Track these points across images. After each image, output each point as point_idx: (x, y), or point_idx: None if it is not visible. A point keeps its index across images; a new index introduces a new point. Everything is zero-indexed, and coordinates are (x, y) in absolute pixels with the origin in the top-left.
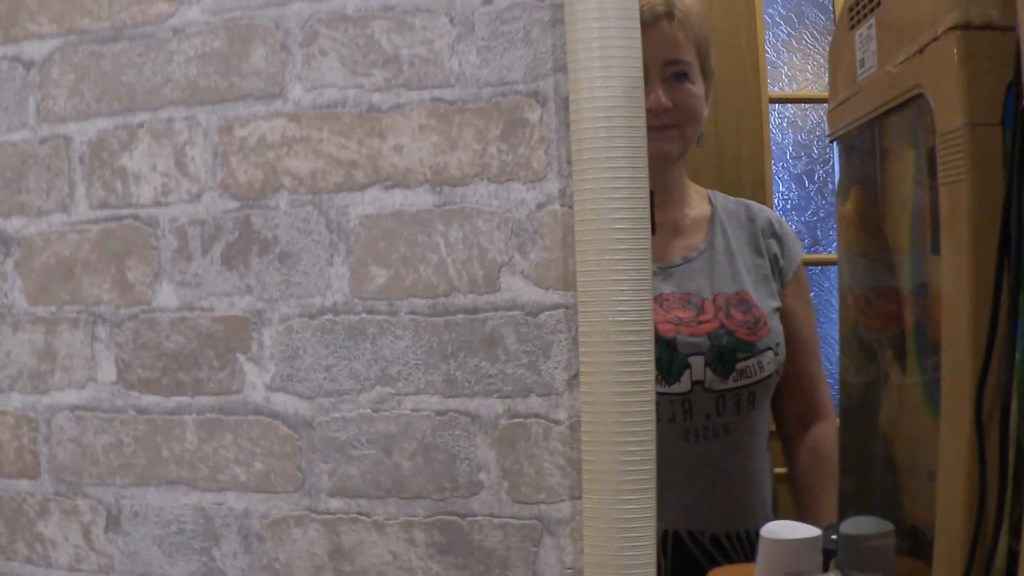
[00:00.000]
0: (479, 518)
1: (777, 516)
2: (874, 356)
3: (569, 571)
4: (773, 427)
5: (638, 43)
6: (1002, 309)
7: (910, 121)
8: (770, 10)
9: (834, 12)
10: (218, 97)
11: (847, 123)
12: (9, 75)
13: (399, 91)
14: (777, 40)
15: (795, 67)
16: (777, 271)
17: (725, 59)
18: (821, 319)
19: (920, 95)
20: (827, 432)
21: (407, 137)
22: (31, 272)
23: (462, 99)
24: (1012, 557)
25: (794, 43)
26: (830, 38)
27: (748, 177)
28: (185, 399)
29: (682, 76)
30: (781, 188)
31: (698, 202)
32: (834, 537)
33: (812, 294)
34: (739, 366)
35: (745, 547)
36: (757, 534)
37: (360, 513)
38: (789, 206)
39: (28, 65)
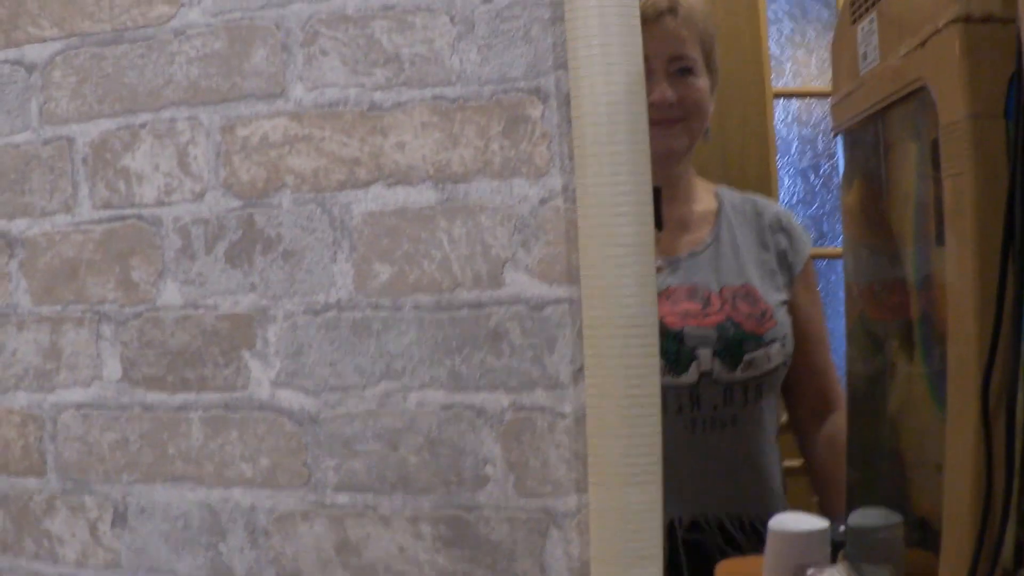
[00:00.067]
0: (485, 511)
1: (786, 507)
2: (880, 347)
3: (575, 564)
4: (784, 420)
5: (639, 38)
6: (1007, 300)
7: (913, 114)
8: (773, 6)
9: (837, 7)
10: (220, 97)
11: (850, 117)
12: (11, 78)
13: (400, 89)
14: (781, 35)
15: (799, 62)
16: (786, 265)
17: (729, 55)
18: (828, 312)
19: (922, 88)
20: (844, 422)
21: (409, 134)
22: (36, 272)
23: (463, 96)
24: (1020, 547)
25: (798, 38)
26: (833, 33)
27: (753, 172)
28: (191, 396)
29: (686, 71)
30: (786, 182)
31: (705, 197)
32: (842, 529)
33: (819, 287)
34: (747, 357)
35: (750, 536)
36: (764, 523)
37: (367, 507)
38: (795, 200)
39: (30, 68)
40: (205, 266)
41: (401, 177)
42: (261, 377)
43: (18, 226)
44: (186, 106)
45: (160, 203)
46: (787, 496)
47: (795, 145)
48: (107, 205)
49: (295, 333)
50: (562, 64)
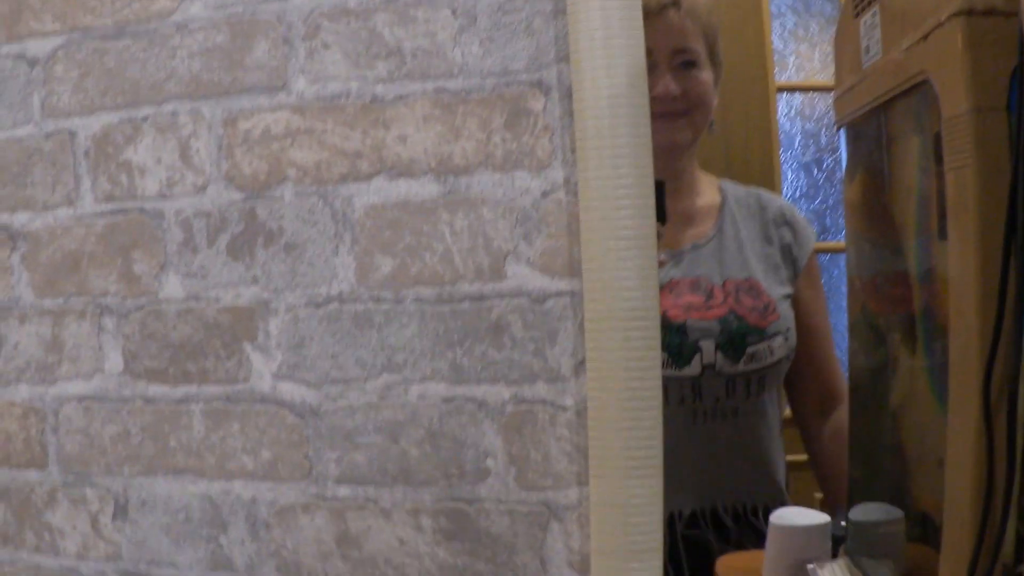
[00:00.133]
0: (486, 504)
1: (788, 501)
2: (882, 341)
3: (576, 556)
4: (787, 414)
5: (640, 31)
6: (1009, 294)
7: (915, 107)
8: (777, 0)
9: (840, 1)
10: (222, 91)
11: (853, 110)
12: (13, 72)
13: (402, 82)
14: (784, 29)
15: (802, 56)
16: (790, 259)
17: (732, 49)
18: (831, 307)
19: (925, 81)
20: None
21: (411, 127)
22: (38, 265)
23: (465, 89)
24: (1020, 542)
25: (801, 32)
26: (835, 26)
27: (756, 166)
28: (192, 389)
29: (690, 64)
30: (789, 176)
31: (708, 191)
32: (843, 524)
33: (822, 282)
34: (749, 350)
35: (744, 527)
36: (765, 514)
37: (368, 500)
38: (798, 194)
39: (32, 62)
40: (207, 259)
41: (403, 170)
42: (263, 370)
43: (20, 219)
44: (188, 99)
45: (162, 196)
46: (790, 491)
47: (798, 139)
48: (109, 198)
49: (297, 326)
50: (564, 57)
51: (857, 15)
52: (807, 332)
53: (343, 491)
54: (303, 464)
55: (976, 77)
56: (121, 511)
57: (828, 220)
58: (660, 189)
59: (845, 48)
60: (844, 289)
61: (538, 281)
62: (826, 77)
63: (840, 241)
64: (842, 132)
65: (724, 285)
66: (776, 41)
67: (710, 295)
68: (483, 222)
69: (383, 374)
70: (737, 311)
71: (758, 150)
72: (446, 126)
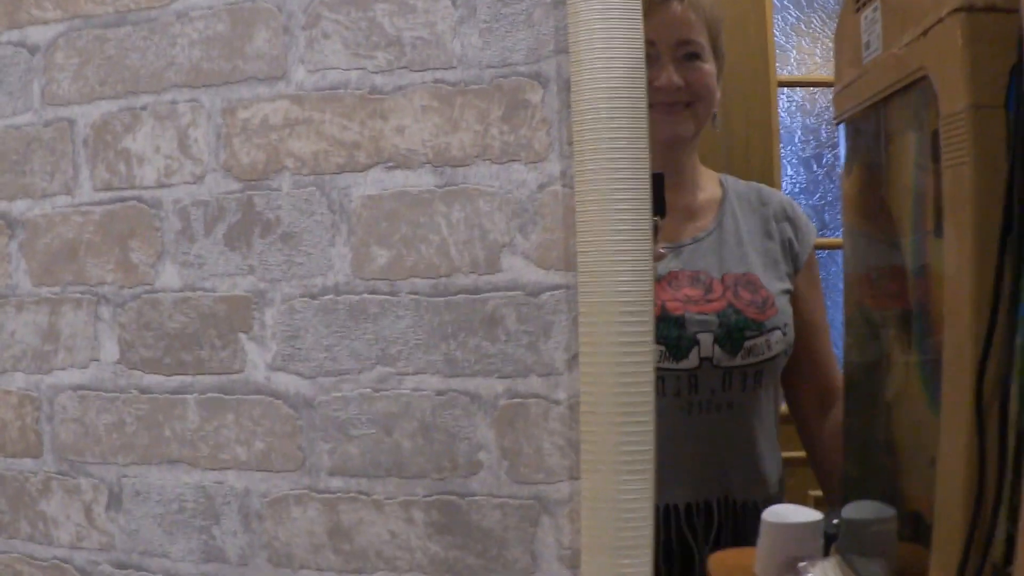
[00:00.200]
0: (478, 498)
1: (784, 496)
2: (877, 336)
3: (567, 551)
4: (784, 410)
5: (640, 24)
6: (1004, 293)
7: (914, 104)
8: None
9: None
10: (221, 79)
11: (852, 106)
12: (14, 60)
13: (401, 73)
14: (786, 24)
15: (804, 51)
16: (791, 255)
17: (733, 42)
18: (828, 303)
19: (924, 77)
20: None
21: (409, 118)
22: (35, 253)
23: (464, 81)
24: (1010, 543)
25: (803, 26)
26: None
27: (756, 161)
28: (187, 378)
29: (693, 56)
30: (789, 172)
31: (709, 185)
32: (836, 522)
33: (820, 277)
34: (747, 344)
35: (738, 519)
36: (755, 507)
37: (360, 492)
38: (797, 190)
39: (33, 50)
40: (204, 248)
41: (400, 161)
42: (257, 360)
43: (18, 207)
44: (187, 88)
45: (160, 185)
46: (787, 487)
47: (798, 134)
48: (107, 187)
49: (292, 316)
50: (563, 49)
51: (858, 10)
52: (805, 328)
53: (336, 483)
54: (296, 455)
55: (975, 74)
56: (115, 501)
57: (827, 216)
58: (659, 182)
59: (845, 43)
60: (842, 285)
61: (533, 274)
62: (827, 72)
63: (838, 237)
64: (841, 128)
65: (723, 279)
66: (778, 35)
67: (709, 288)
68: (479, 214)
69: (377, 366)
70: (736, 305)
71: (758, 145)
72: (444, 117)
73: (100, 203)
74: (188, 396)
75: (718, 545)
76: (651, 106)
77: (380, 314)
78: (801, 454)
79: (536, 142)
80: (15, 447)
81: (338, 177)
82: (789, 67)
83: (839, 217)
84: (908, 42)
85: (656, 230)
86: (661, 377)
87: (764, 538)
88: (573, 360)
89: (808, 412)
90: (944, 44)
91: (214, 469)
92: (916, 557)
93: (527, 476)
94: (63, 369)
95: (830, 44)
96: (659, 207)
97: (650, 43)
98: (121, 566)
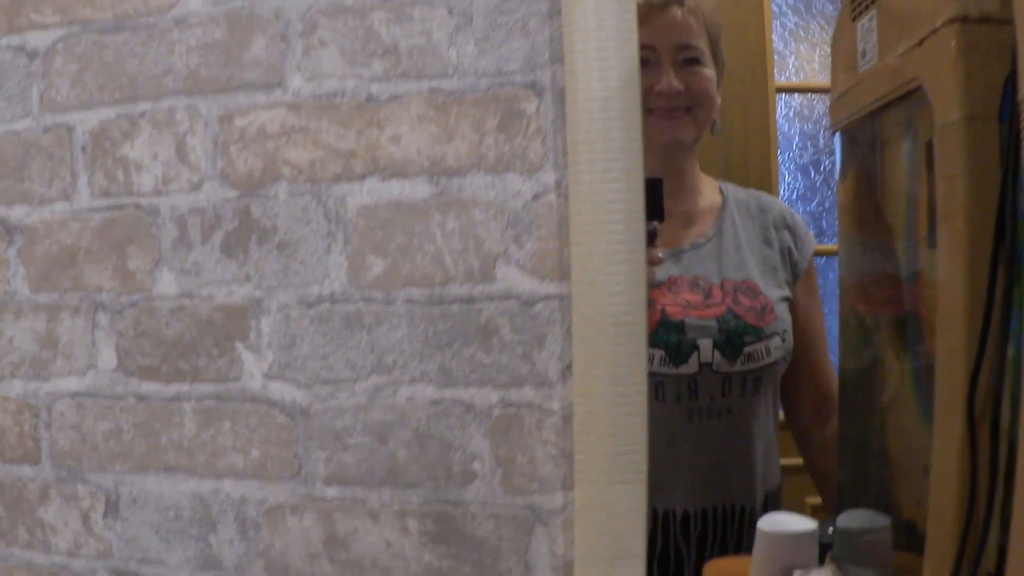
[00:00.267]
0: (472, 507)
1: (782, 502)
2: (871, 343)
3: (560, 561)
4: (783, 418)
5: (635, 34)
6: (996, 304)
7: (909, 113)
8: None
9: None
10: (219, 87)
11: (848, 115)
12: (13, 64)
13: (397, 81)
14: (784, 29)
15: (802, 57)
16: (790, 263)
17: (732, 48)
18: (826, 310)
19: (919, 87)
20: None
21: (405, 127)
22: (33, 260)
23: (460, 90)
24: (1002, 552)
25: (801, 33)
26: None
27: (754, 167)
28: (184, 386)
29: (693, 61)
30: (787, 178)
31: (709, 191)
32: (831, 530)
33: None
34: (746, 350)
35: (735, 526)
36: (753, 513)
37: (355, 501)
38: (795, 196)
39: (32, 55)
40: (201, 256)
41: (396, 170)
42: (254, 369)
43: (17, 213)
44: (185, 95)
45: (158, 192)
46: (784, 494)
47: (796, 141)
48: (105, 194)
49: (288, 325)
50: (559, 58)
51: (855, 18)
52: (803, 336)
53: (331, 491)
54: (292, 464)
55: (969, 85)
56: (112, 508)
57: (824, 222)
58: (659, 187)
59: (842, 51)
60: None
61: (527, 284)
62: (825, 78)
63: (836, 244)
64: (837, 136)
65: (722, 285)
66: (776, 41)
67: (709, 294)
68: (474, 224)
69: (372, 375)
70: (735, 310)
71: (756, 151)
72: (439, 127)
73: (98, 210)
74: (185, 404)
75: (716, 552)
76: (651, 111)
77: (375, 323)
78: (798, 461)
79: (531, 152)
80: (13, 454)
81: (334, 186)
82: (787, 73)
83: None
84: (903, 52)
85: (655, 235)
86: (661, 382)
87: (759, 547)
88: (567, 370)
89: (806, 420)
90: (939, 54)
91: (211, 477)
92: (911, 566)
93: (521, 486)
94: (61, 376)
95: (828, 50)
96: (658, 212)
97: (650, 48)
98: (119, 573)
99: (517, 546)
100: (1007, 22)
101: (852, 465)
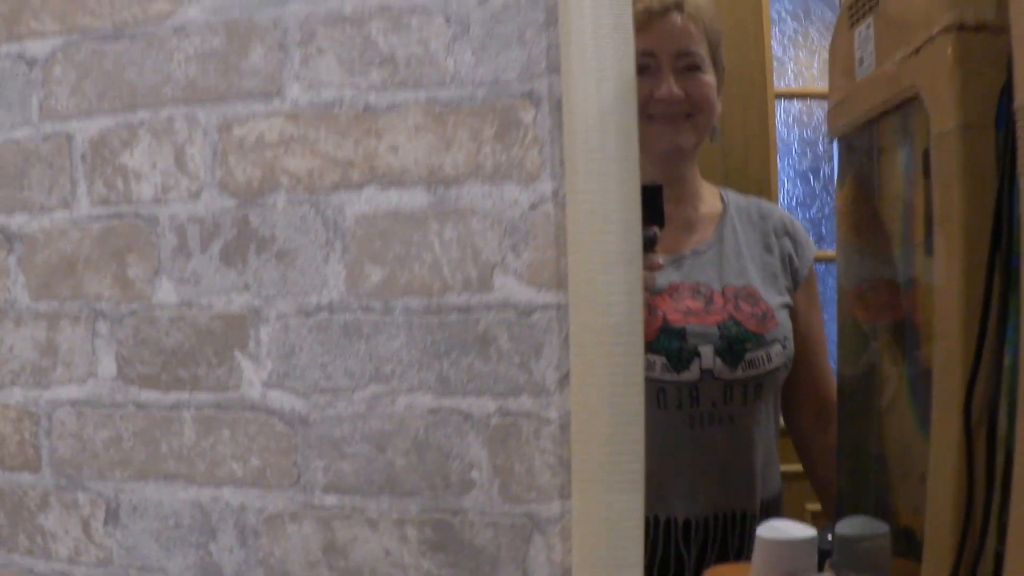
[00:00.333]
0: (470, 516)
1: (782, 510)
2: (868, 349)
3: (558, 570)
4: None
5: (631, 44)
6: (992, 311)
7: (906, 121)
8: (777, 6)
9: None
10: (217, 96)
11: (846, 123)
12: (12, 72)
13: (395, 91)
14: (783, 36)
15: (801, 63)
16: (791, 270)
17: (731, 54)
18: (825, 316)
19: (916, 95)
20: None
21: (403, 137)
22: (33, 268)
23: (457, 99)
24: (999, 559)
25: (800, 39)
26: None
27: (754, 173)
28: (183, 395)
29: (694, 67)
30: (786, 184)
31: (710, 198)
32: (830, 537)
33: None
34: (747, 356)
35: (736, 532)
36: (754, 520)
37: (354, 509)
38: (794, 202)
39: (31, 63)
40: (200, 265)
41: (394, 179)
42: (253, 378)
43: (17, 221)
44: (184, 104)
45: (157, 201)
46: (784, 501)
47: (795, 147)
48: (105, 202)
49: (287, 334)
50: (556, 68)
51: (852, 25)
52: (803, 343)
53: (330, 500)
54: (291, 472)
55: (965, 94)
56: (112, 516)
57: (824, 229)
58: (659, 193)
59: (839, 59)
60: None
61: (525, 293)
62: (825, 85)
63: (835, 250)
64: (835, 143)
65: (723, 291)
66: (775, 47)
67: (710, 300)
68: (472, 233)
69: (371, 384)
70: (736, 317)
71: (756, 157)
72: (437, 136)
73: (98, 218)
74: (185, 412)
75: (716, 558)
76: (651, 117)
77: (373, 332)
78: (798, 467)
79: (528, 161)
80: (14, 461)
81: (332, 195)
82: (787, 79)
83: None
84: (900, 59)
85: (656, 241)
86: (662, 389)
87: (759, 554)
88: (564, 379)
89: (806, 427)
90: (935, 62)
91: (210, 485)
92: (909, 573)
93: (519, 494)
94: (61, 384)
95: (827, 56)
96: (659, 218)
97: (650, 54)
98: None
99: (515, 554)
100: (1003, 30)
101: (850, 471)
